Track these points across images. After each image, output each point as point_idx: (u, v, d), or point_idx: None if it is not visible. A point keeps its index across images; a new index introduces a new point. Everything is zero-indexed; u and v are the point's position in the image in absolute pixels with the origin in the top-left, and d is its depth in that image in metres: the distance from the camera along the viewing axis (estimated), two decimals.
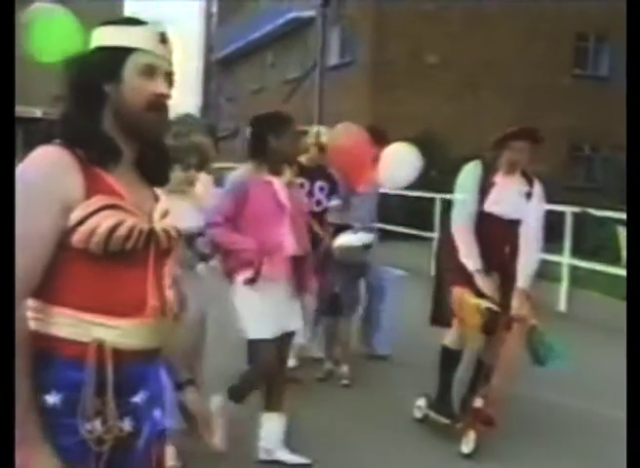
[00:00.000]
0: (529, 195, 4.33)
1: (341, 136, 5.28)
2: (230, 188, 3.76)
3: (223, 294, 3.85)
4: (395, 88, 18.00)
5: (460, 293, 4.13)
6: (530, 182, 4.36)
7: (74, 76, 1.68)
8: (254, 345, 3.69)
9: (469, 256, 4.20)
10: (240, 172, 3.84)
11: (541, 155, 7.01)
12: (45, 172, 1.56)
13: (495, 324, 4.08)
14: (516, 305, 4.14)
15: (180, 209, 2.69)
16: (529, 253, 4.26)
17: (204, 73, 35.27)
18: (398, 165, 5.38)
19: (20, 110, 18.55)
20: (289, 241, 3.74)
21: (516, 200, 4.29)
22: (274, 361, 3.71)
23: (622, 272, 8.43)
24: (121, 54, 1.65)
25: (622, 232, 8.54)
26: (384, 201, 6.42)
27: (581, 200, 10.35)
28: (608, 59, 20.42)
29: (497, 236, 4.27)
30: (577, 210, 8.06)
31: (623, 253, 8.24)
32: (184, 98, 35.38)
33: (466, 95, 17.84)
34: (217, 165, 18.90)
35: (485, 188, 4.28)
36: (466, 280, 4.19)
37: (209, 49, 34.34)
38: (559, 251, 8.63)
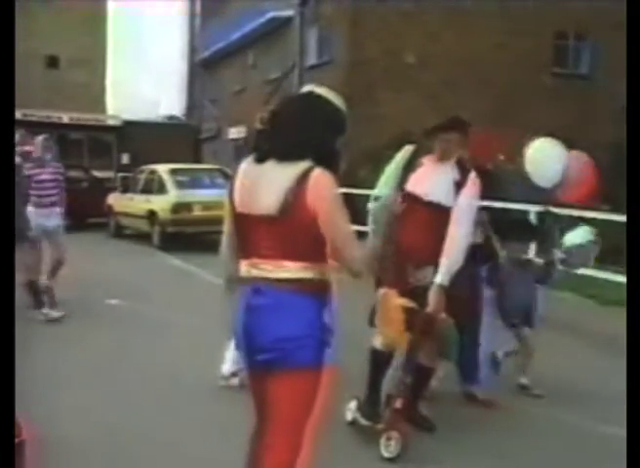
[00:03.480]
0: (459, 185, 4.13)
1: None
2: None
3: None
4: (373, 87, 17.89)
5: (384, 294, 4.00)
6: (464, 173, 4.18)
7: None
8: None
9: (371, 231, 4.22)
10: None
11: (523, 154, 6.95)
12: None
13: (415, 323, 3.95)
14: (431, 302, 3.97)
15: None
16: (450, 248, 4.02)
17: (188, 74, 35.11)
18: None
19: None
20: None
21: (441, 185, 4.12)
22: None
23: (588, 272, 8.30)
24: None
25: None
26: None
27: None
28: (588, 58, 20.37)
29: (423, 222, 4.09)
30: (540, 208, 7.93)
31: None
32: (170, 100, 35.25)
33: (445, 94, 17.67)
34: (198, 166, 18.71)
35: (411, 168, 4.21)
36: (394, 280, 4.08)
37: (192, 50, 34.18)
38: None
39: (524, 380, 5.21)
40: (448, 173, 4.17)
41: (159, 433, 4.40)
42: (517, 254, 5.18)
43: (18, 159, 7.29)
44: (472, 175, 4.19)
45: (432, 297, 3.97)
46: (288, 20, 21.90)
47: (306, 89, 2.83)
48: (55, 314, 7.13)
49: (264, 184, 2.58)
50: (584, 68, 20.48)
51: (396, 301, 3.93)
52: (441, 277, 3.99)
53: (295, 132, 2.61)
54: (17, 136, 7.47)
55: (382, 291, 4.04)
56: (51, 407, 4.66)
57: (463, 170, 4.21)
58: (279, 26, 22.46)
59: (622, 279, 6.83)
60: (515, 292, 5.12)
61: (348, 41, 18.44)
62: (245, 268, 2.66)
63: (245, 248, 2.66)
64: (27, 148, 7.60)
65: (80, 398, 4.98)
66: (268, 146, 2.65)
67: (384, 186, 4.36)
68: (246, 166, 2.69)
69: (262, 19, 22.85)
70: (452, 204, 4.10)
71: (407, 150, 4.36)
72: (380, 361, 4.26)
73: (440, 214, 4.07)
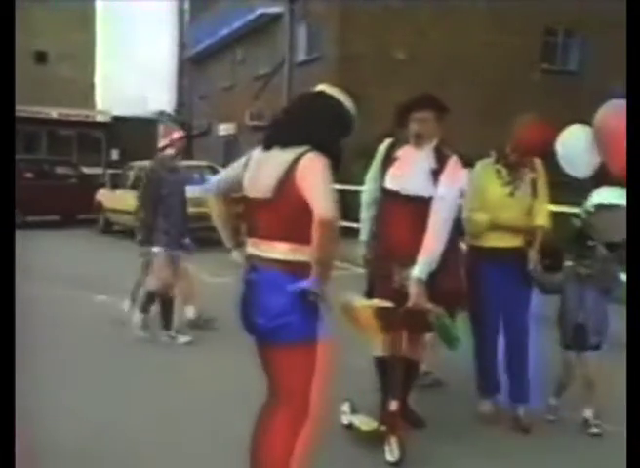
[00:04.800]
0: (436, 173, 3.92)
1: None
2: None
3: None
4: (363, 83, 17.83)
5: (348, 301, 3.84)
6: (442, 160, 3.95)
7: None
8: None
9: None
10: None
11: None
12: None
13: (394, 321, 3.85)
14: (411, 296, 3.83)
15: None
16: (429, 239, 3.83)
17: (177, 70, 34.98)
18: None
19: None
20: None
21: (416, 176, 3.94)
22: None
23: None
24: None
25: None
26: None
27: (552, 195, 10.21)
28: (577, 54, 20.44)
29: (405, 217, 3.95)
30: None
31: None
32: (159, 96, 35.11)
33: (434, 90, 17.54)
34: (189, 163, 18.70)
35: (388, 164, 4.11)
36: (382, 280, 4.06)
37: (181, 46, 34.04)
38: None
39: (586, 414, 4.57)
40: (424, 161, 3.96)
41: (143, 425, 4.41)
42: (578, 268, 4.55)
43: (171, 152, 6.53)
44: (452, 161, 3.97)
45: (411, 291, 3.84)
46: (277, 17, 21.84)
47: (319, 88, 2.98)
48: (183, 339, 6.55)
49: (265, 169, 2.83)
50: (573, 65, 20.55)
51: (362, 304, 3.81)
52: (418, 271, 3.83)
53: (299, 123, 2.84)
54: (161, 127, 6.78)
55: (347, 297, 3.87)
56: (44, 405, 4.65)
57: (441, 156, 3.98)
58: (268, 23, 22.40)
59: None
60: (570, 310, 4.60)
61: (338, 37, 18.41)
62: (248, 247, 2.96)
63: (250, 229, 2.95)
64: (176, 135, 6.64)
65: (74, 396, 4.97)
66: (275, 134, 2.88)
67: (369, 182, 4.34)
68: (256, 153, 2.95)
69: (251, 16, 22.77)
70: (432, 193, 3.90)
71: (385, 144, 4.25)
72: (383, 367, 4.16)
73: (421, 207, 3.89)
